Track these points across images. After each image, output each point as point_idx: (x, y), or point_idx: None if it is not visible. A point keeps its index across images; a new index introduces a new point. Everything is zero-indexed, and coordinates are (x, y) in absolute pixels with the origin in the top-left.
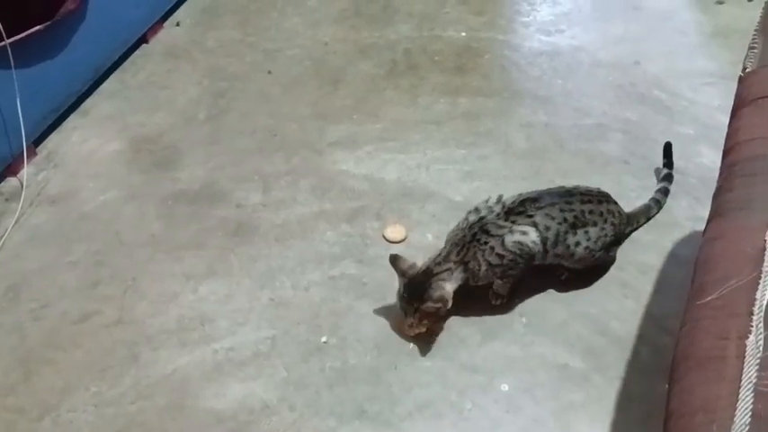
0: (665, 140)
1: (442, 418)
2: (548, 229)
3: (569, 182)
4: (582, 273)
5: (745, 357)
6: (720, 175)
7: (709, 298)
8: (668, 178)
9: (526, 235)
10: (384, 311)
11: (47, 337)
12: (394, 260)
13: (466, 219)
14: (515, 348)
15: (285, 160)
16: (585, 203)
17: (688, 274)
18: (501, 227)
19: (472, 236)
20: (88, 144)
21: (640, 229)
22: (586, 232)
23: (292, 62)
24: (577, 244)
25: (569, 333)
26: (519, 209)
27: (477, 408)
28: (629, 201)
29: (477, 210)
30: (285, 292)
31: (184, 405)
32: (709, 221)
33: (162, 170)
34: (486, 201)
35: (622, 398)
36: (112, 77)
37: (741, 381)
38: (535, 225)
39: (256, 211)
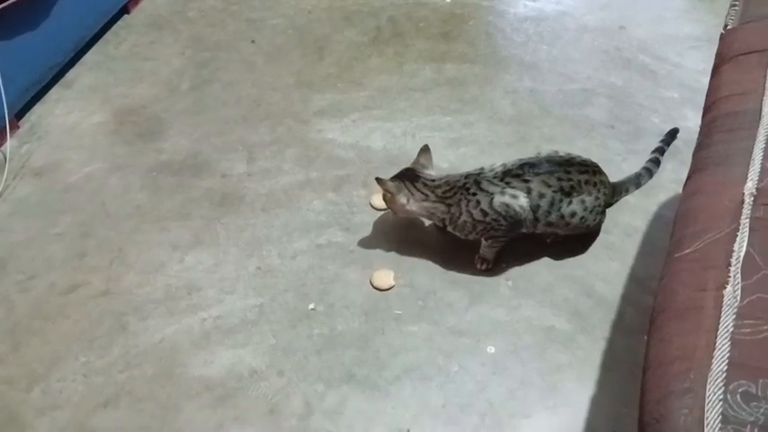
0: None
1: (430, 380)
2: (542, 196)
3: (555, 147)
4: (568, 236)
5: (722, 307)
6: (700, 131)
7: (687, 251)
8: (661, 151)
9: (515, 198)
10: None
11: (34, 308)
12: (424, 150)
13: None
14: (502, 312)
15: (270, 130)
16: (582, 173)
17: None
18: (494, 185)
19: (463, 184)
20: (72, 116)
21: None
22: (582, 201)
23: (275, 31)
24: (573, 214)
25: (555, 296)
26: (517, 171)
27: (463, 370)
28: (615, 165)
29: (482, 168)
30: (272, 261)
31: (173, 373)
32: (688, 177)
33: (146, 141)
34: (492, 165)
35: (607, 357)
36: (95, 49)
37: (718, 330)
38: (529, 191)
39: (242, 181)
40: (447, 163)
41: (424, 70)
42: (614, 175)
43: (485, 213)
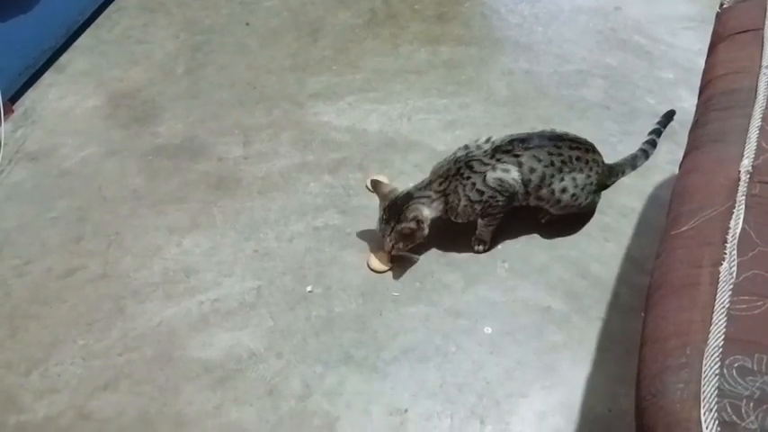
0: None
1: (428, 361)
2: (532, 170)
3: (551, 128)
4: (563, 217)
5: (718, 284)
6: (696, 110)
7: (683, 228)
8: (658, 132)
9: (507, 172)
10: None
11: (32, 292)
12: (375, 184)
13: (454, 153)
14: (498, 293)
15: (266, 113)
16: (574, 150)
17: None
18: (485, 164)
19: (456, 170)
20: (66, 100)
21: None
22: (574, 179)
23: (270, 13)
24: (564, 190)
25: (551, 276)
26: (506, 147)
27: (461, 350)
28: (611, 145)
29: (466, 146)
30: (269, 244)
31: (172, 356)
32: (685, 155)
33: (141, 125)
34: (477, 140)
35: (603, 337)
36: (87, 33)
37: (714, 306)
38: (520, 165)
39: (238, 165)
40: (443, 145)
41: (419, 52)
42: (610, 156)
43: (481, 192)
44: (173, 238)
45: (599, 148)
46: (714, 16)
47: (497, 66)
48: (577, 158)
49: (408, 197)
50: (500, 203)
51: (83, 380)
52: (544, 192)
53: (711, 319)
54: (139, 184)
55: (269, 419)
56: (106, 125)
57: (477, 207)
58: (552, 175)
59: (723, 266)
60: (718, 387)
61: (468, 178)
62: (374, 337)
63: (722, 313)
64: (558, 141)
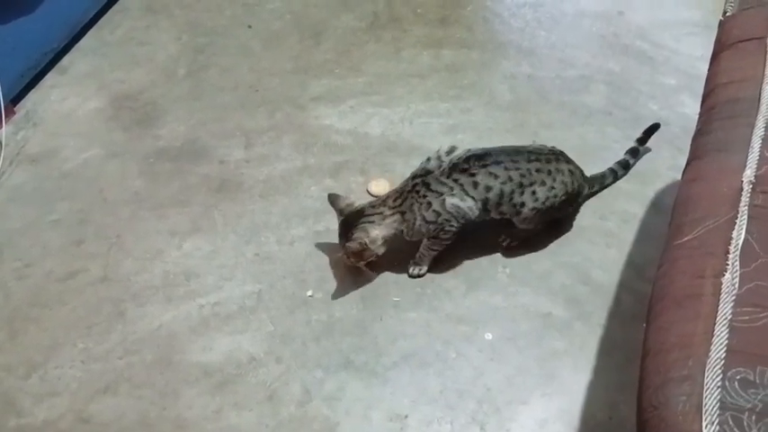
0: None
1: (428, 367)
2: (488, 189)
3: (553, 134)
4: (528, 236)
5: (720, 295)
6: (699, 118)
7: (686, 238)
8: (634, 153)
9: (464, 201)
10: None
11: (32, 295)
12: (333, 199)
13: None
14: (499, 299)
15: (267, 116)
16: (533, 162)
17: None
18: (442, 184)
19: (412, 186)
20: (67, 102)
21: (622, 179)
22: (533, 192)
23: (272, 16)
24: (523, 204)
25: (552, 282)
26: (463, 166)
27: (461, 357)
28: (613, 152)
29: (428, 160)
30: (270, 248)
31: (172, 360)
32: (687, 164)
33: (143, 127)
34: (438, 150)
35: (604, 344)
36: (90, 34)
37: (716, 317)
38: (475, 185)
39: (239, 168)
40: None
41: (421, 56)
42: (611, 162)
43: (437, 214)
44: (173, 241)
45: (602, 154)
46: (717, 23)
47: (499, 70)
48: (537, 170)
49: (359, 215)
50: (453, 228)
51: (82, 383)
52: (504, 207)
53: (714, 330)
54: (140, 187)
55: (268, 424)
56: (108, 127)
57: (431, 227)
58: (512, 191)
59: (725, 277)
60: (720, 400)
61: (425, 197)
62: (374, 342)
63: (724, 325)
64: (515, 155)
